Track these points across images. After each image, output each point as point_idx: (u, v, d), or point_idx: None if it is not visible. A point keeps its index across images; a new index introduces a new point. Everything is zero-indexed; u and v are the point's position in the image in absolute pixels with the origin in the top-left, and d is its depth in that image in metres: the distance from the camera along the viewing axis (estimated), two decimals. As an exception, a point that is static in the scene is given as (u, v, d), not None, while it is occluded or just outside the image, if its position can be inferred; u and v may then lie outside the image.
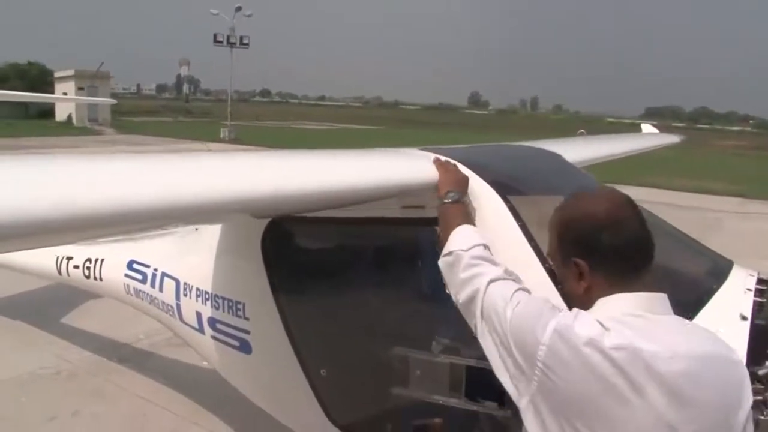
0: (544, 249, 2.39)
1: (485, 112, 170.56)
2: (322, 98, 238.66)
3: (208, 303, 3.43)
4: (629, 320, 1.52)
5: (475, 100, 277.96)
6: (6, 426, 4.75)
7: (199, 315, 3.55)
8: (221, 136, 37.41)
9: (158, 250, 4.29)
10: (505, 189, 2.55)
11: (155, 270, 4.08)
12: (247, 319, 3.19)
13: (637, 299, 1.57)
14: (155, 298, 4.06)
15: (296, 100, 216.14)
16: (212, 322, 3.44)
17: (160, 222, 1.80)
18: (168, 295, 3.88)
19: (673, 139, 8.61)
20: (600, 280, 1.62)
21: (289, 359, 2.98)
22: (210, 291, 3.41)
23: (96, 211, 1.47)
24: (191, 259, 3.74)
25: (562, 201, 1.79)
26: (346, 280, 3.01)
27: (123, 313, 5.98)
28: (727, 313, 2.30)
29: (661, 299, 1.61)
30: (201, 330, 3.56)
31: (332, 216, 2.80)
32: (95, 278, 4.81)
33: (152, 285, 4.09)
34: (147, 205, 1.58)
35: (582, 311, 1.59)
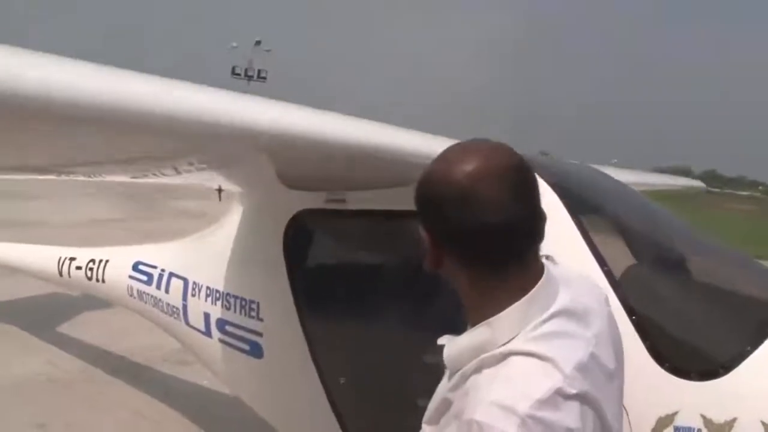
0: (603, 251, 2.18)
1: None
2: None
3: (218, 303, 3.18)
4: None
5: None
6: (-7, 431, 4.49)
7: (206, 316, 3.29)
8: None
9: (167, 252, 4.10)
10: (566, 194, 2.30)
11: (162, 271, 3.85)
12: (260, 319, 2.93)
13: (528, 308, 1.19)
14: (159, 300, 3.81)
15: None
16: (221, 323, 3.18)
17: (178, 141, 1.53)
18: (174, 296, 3.63)
19: (696, 183, 8.49)
20: (455, 264, 1.23)
21: (304, 365, 2.71)
22: (221, 290, 3.17)
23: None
24: (203, 257, 3.52)
25: None
26: (376, 281, 2.76)
27: (119, 325, 5.99)
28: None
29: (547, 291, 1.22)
30: (208, 333, 3.30)
31: (363, 209, 2.58)
32: (97, 280, 4.60)
33: (158, 286, 3.85)
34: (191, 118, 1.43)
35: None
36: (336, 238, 2.95)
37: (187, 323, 3.50)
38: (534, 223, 1.22)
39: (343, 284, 2.83)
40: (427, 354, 2.48)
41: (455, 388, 1.21)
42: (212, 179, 2.62)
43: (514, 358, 1.14)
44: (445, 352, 1.26)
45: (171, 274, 3.74)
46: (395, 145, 1.90)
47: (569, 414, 1.10)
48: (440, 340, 1.29)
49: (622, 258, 2.31)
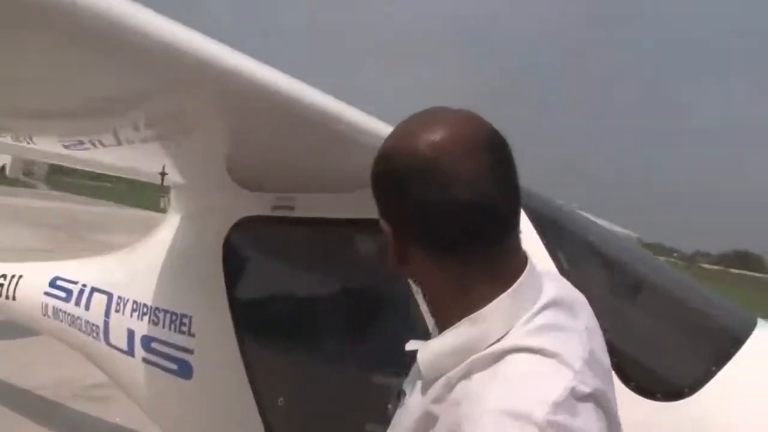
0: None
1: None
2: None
3: (145, 318, 2.90)
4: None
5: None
6: None
7: (130, 334, 2.99)
8: (161, 205, 36.25)
9: (91, 266, 3.80)
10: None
11: (83, 286, 3.53)
12: (192, 335, 2.67)
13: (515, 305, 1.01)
14: (77, 318, 3.48)
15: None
16: (146, 341, 2.89)
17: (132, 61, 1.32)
18: (95, 312, 3.31)
19: (632, 234, 8.77)
20: (423, 256, 1.04)
21: (238, 386, 2.47)
22: (149, 304, 2.89)
23: None
24: (132, 270, 3.23)
25: None
26: (321, 296, 2.57)
27: (29, 358, 5.61)
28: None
29: (531, 284, 1.05)
30: (130, 352, 2.99)
31: (311, 217, 2.42)
32: (7, 297, 4.18)
33: (77, 303, 3.52)
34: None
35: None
36: (281, 248, 2.74)
37: (108, 342, 3.18)
38: (509, 204, 1.04)
39: (286, 298, 2.64)
40: (377, 377, 2.31)
41: (439, 399, 1.02)
42: (156, 157, 2.35)
43: (514, 356, 0.96)
44: (420, 358, 1.06)
45: (93, 290, 3.42)
46: (364, 125, 1.73)
47: (586, 416, 0.94)
48: (409, 346, 1.10)
49: (589, 279, 2.24)
